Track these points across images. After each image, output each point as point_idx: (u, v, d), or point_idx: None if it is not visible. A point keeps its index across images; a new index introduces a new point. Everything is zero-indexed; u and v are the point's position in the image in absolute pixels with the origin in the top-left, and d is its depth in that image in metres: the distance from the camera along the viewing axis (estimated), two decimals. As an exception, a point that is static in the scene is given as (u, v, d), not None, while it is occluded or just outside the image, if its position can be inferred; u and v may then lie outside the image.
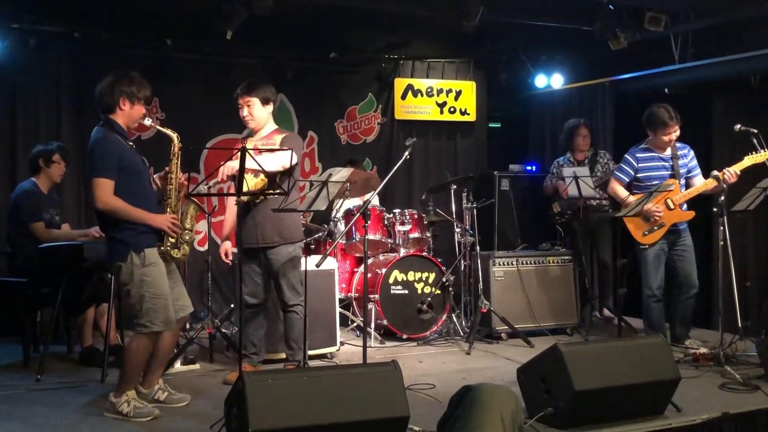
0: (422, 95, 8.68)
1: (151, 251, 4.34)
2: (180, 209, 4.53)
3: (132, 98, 4.44)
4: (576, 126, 7.40)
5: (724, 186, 5.49)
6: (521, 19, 7.18)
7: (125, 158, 4.32)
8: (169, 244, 4.43)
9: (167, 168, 4.56)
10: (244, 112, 5.17)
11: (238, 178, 4.31)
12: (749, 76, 6.96)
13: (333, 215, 6.78)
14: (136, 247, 4.30)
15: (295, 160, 4.89)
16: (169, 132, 4.54)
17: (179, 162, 4.55)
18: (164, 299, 4.36)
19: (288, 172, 4.88)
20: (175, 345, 4.77)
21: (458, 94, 8.81)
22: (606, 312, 7.49)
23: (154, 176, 4.64)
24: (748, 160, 5.61)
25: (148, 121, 4.55)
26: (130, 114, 4.46)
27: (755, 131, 5.58)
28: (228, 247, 5.48)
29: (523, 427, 3.34)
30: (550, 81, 8.65)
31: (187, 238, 4.53)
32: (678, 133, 5.93)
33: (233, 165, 4.63)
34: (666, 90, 7.47)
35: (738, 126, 5.63)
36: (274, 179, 4.93)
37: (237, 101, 5.19)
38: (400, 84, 8.60)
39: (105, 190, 4.24)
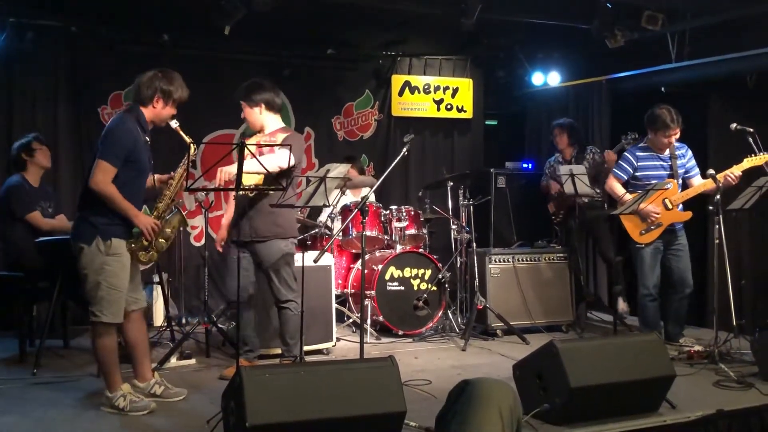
0: (419, 92, 8.69)
1: (118, 242, 4.33)
2: (166, 216, 4.53)
3: (167, 98, 4.45)
4: (552, 128, 7.55)
5: (720, 185, 5.51)
6: (519, 16, 7.19)
7: (136, 152, 4.33)
8: (140, 245, 4.42)
9: (172, 173, 4.56)
10: (243, 116, 5.26)
11: (237, 173, 4.32)
12: (745, 74, 6.97)
13: (329, 212, 6.79)
14: (104, 233, 4.28)
15: (293, 161, 4.89)
16: (188, 139, 4.50)
17: (186, 173, 4.54)
18: (119, 293, 4.34)
19: (288, 171, 4.89)
20: (147, 333, 4.76)
21: (455, 91, 8.82)
22: (622, 305, 7.35)
23: (156, 176, 4.63)
24: (747, 162, 5.63)
25: (174, 124, 4.52)
26: (159, 112, 4.48)
27: (751, 130, 5.60)
28: (223, 238, 5.49)
29: (522, 422, 3.35)
30: (547, 79, 8.67)
31: (160, 245, 4.51)
32: (678, 135, 5.95)
33: (230, 170, 4.63)
34: (662, 88, 7.49)
35: (734, 125, 5.65)
36: (271, 175, 4.94)
37: None
38: (397, 81, 8.61)
39: (105, 175, 4.23)
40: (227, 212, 5.53)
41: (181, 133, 4.51)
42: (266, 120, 5.23)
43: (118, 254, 4.33)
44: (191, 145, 4.50)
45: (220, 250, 5.51)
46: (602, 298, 7.92)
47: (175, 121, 4.53)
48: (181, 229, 5.11)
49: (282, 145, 4.91)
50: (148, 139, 4.49)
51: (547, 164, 7.53)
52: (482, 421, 3.08)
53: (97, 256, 4.28)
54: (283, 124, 5.36)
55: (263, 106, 5.19)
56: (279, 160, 4.87)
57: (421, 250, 6.97)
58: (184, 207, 4.88)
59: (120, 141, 4.29)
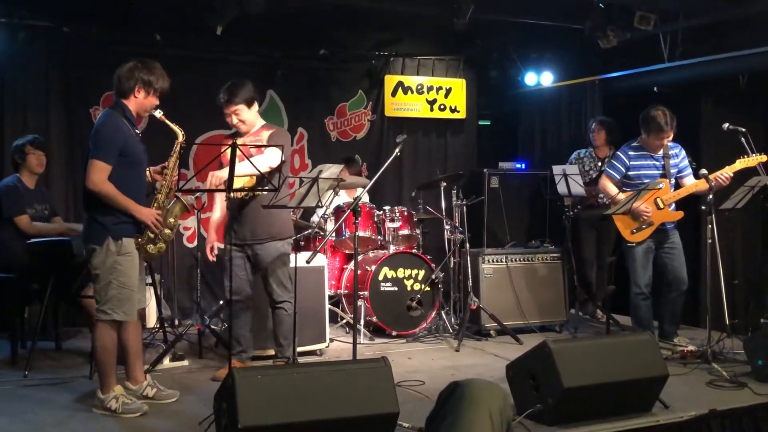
0: (412, 92, 8.68)
1: (128, 241, 4.35)
2: (167, 206, 4.54)
3: (148, 88, 4.45)
4: (591, 123, 7.62)
5: (713, 184, 5.52)
6: (511, 17, 7.19)
7: (128, 146, 4.34)
8: (147, 238, 4.43)
9: (165, 164, 4.57)
10: (234, 120, 5.14)
11: (228, 174, 4.31)
12: (738, 75, 6.99)
13: (322, 213, 6.78)
14: (115, 233, 4.30)
15: (282, 158, 4.88)
16: (176, 128, 4.53)
17: (178, 160, 4.56)
18: (130, 291, 4.36)
19: (277, 169, 4.87)
20: (142, 335, 4.77)
21: (448, 91, 8.81)
22: (600, 313, 7.47)
23: (150, 169, 4.64)
24: (740, 164, 5.65)
25: (158, 113, 4.53)
26: (142, 103, 4.47)
27: (743, 130, 5.61)
28: (214, 243, 5.45)
29: (512, 424, 3.34)
30: (540, 79, 8.68)
31: (167, 235, 4.52)
32: (670, 138, 5.97)
33: (221, 175, 4.62)
34: (655, 88, 7.50)
35: (726, 125, 5.67)
36: (263, 176, 4.92)
37: (222, 110, 5.16)
38: (390, 81, 8.60)
39: (100, 174, 4.24)
40: (214, 214, 5.49)
41: (168, 121, 4.53)
42: (257, 118, 5.22)
43: (129, 253, 4.36)
44: (179, 132, 4.51)
45: (212, 258, 5.45)
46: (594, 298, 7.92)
47: (159, 111, 4.54)
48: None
49: (271, 145, 4.89)
50: (138, 131, 4.49)
51: (576, 154, 7.55)
52: (472, 422, 3.07)
53: (109, 256, 4.30)
54: (264, 122, 5.33)
55: (256, 103, 5.18)
56: (270, 159, 4.85)
57: (414, 250, 6.96)
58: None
59: (110, 137, 4.29)
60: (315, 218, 7.09)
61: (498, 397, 3.28)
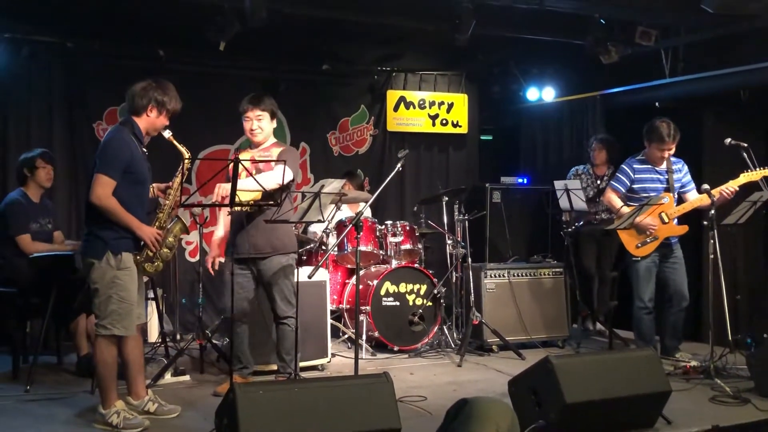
0: (414, 107, 8.70)
1: (128, 256, 4.36)
2: (167, 226, 4.54)
3: (161, 108, 4.48)
4: (591, 141, 7.63)
5: (715, 199, 5.52)
6: (513, 32, 7.21)
7: (134, 164, 4.36)
8: (145, 256, 4.44)
9: (170, 183, 4.59)
10: (253, 125, 5.16)
11: (231, 189, 4.32)
12: (739, 90, 7.00)
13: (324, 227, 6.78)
14: (114, 248, 4.30)
15: (290, 176, 4.89)
16: (183, 149, 4.56)
17: (183, 180, 4.58)
18: (130, 305, 4.36)
19: (285, 187, 4.89)
20: (143, 349, 4.78)
21: (450, 106, 8.83)
22: (603, 328, 7.47)
23: (154, 185, 4.66)
24: (744, 178, 5.65)
25: (167, 134, 4.56)
26: (153, 122, 4.50)
27: (745, 145, 5.62)
28: (215, 257, 5.46)
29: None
30: (542, 94, 8.70)
31: (165, 255, 4.53)
32: (672, 150, 5.98)
33: (228, 187, 4.64)
34: (657, 104, 7.51)
35: (728, 140, 5.68)
36: (269, 193, 4.92)
37: (244, 114, 5.18)
38: (392, 96, 8.62)
39: (105, 189, 4.26)
40: (218, 229, 5.51)
41: (175, 142, 4.55)
42: (271, 134, 5.25)
43: (128, 268, 4.37)
44: (186, 153, 4.53)
45: (212, 271, 5.47)
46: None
47: (168, 131, 4.57)
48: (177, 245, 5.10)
49: (278, 161, 4.90)
50: (144, 150, 4.51)
51: (574, 170, 7.56)
52: (480, 439, 3.07)
53: (108, 270, 4.30)
54: (275, 139, 5.36)
55: (275, 120, 5.24)
56: (277, 177, 4.86)
57: (416, 265, 6.95)
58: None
59: (117, 153, 4.32)
60: (312, 227, 7.04)
61: (506, 415, 3.28)
